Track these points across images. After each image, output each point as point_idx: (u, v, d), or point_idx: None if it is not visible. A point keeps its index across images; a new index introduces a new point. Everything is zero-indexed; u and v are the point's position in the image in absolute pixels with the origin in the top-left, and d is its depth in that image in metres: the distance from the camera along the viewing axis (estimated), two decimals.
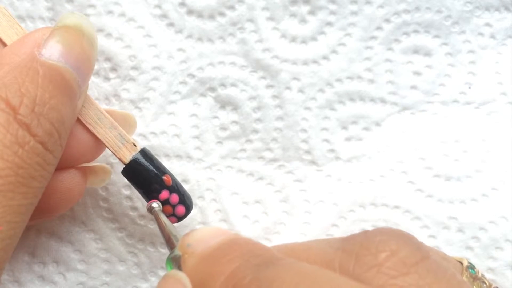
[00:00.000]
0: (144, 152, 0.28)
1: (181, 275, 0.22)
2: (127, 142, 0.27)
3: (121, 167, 0.28)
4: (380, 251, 0.21)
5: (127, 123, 0.29)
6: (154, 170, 0.28)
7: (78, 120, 0.27)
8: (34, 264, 0.31)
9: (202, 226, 0.31)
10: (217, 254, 0.22)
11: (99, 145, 0.27)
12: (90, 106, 0.27)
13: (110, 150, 0.27)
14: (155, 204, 0.27)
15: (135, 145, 0.28)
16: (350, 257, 0.21)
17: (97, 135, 0.27)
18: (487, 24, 0.32)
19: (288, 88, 0.32)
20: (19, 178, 0.22)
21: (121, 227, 0.31)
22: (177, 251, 0.23)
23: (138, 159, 0.27)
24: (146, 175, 0.28)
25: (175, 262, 0.23)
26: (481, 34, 0.32)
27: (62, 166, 0.27)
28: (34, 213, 0.24)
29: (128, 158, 0.27)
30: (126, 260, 0.31)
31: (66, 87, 0.24)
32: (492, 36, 0.33)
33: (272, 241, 0.32)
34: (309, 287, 0.18)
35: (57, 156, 0.24)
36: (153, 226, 0.31)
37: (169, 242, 0.25)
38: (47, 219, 0.31)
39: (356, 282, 0.19)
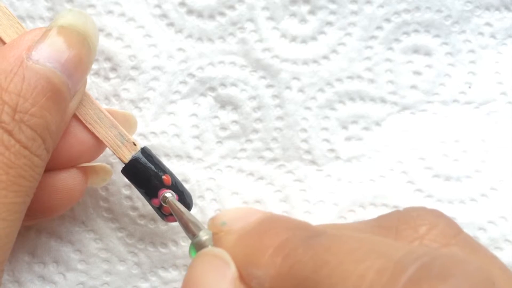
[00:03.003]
0: (144, 151, 0.28)
1: (219, 250, 0.21)
2: (127, 141, 0.27)
3: (121, 166, 0.28)
4: (420, 225, 0.21)
5: (127, 122, 0.29)
6: (154, 169, 0.28)
7: (78, 120, 0.27)
8: (34, 264, 0.31)
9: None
10: (260, 229, 0.21)
11: (99, 144, 0.27)
12: (90, 106, 0.27)
13: (110, 149, 0.27)
14: (169, 194, 0.27)
15: (135, 144, 0.27)
16: (390, 232, 0.21)
17: (97, 134, 0.27)
18: (487, 24, 0.32)
19: (288, 87, 0.32)
20: (10, 177, 0.23)
21: (121, 227, 0.31)
22: (202, 236, 0.23)
23: (138, 158, 0.27)
24: (145, 174, 0.27)
25: (199, 247, 0.22)
26: (481, 33, 0.32)
27: (62, 166, 0.27)
28: (35, 212, 0.24)
29: (127, 157, 0.27)
30: (126, 260, 0.31)
31: (52, 92, 0.24)
32: (493, 36, 0.32)
33: None
34: (369, 251, 0.18)
35: (44, 159, 0.24)
36: (153, 226, 0.31)
37: (189, 229, 0.25)
38: (48, 219, 0.31)
39: (413, 246, 0.19)
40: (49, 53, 0.24)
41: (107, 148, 0.28)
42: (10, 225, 0.23)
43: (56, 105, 0.24)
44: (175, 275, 0.31)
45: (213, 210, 0.32)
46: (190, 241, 0.31)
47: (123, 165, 0.28)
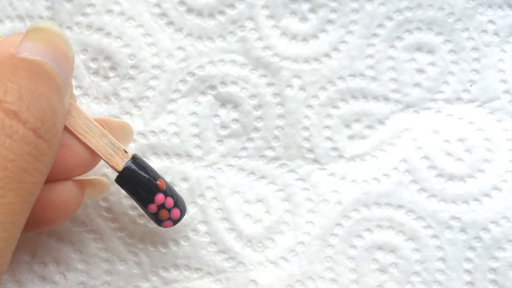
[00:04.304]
0: (135, 159, 0.27)
1: None
2: (118, 149, 0.27)
3: None
4: None
5: (123, 132, 0.28)
6: (147, 175, 0.27)
7: (70, 131, 0.26)
8: (35, 264, 0.31)
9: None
10: None
11: (93, 155, 0.27)
12: (78, 116, 0.26)
13: (102, 158, 0.27)
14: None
15: (126, 152, 0.27)
16: None
17: (89, 144, 0.26)
18: (491, 21, 0.32)
19: (289, 86, 0.32)
20: (8, 173, 0.20)
21: (121, 226, 0.31)
22: None
23: (131, 166, 0.27)
24: (140, 181, 0.27)
25: None
26: (484, 31, 0.32)
27: (58, 178, 0.26)
28: (28, 224, 0.23)
29: (121, 165, 0.27)
30: (127, 260, 0.31)
31: (50, 80, 0.23)
32: (496, 33, 0.32)
33: (275, 241, 0.31)
34: None
35: (52, 146, 0.22)
36: (153, 226, 0.31)
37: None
38: (42, 231, 0.30)
39: None
40: (36, 48, 0.23)
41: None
42: (7, 228, 0.21)
43: (56, 93, 0.23)
44: (176, 275, 0.31)
45: (214, 209, 0.31)
46: (193, 240, 0.30)
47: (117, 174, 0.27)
